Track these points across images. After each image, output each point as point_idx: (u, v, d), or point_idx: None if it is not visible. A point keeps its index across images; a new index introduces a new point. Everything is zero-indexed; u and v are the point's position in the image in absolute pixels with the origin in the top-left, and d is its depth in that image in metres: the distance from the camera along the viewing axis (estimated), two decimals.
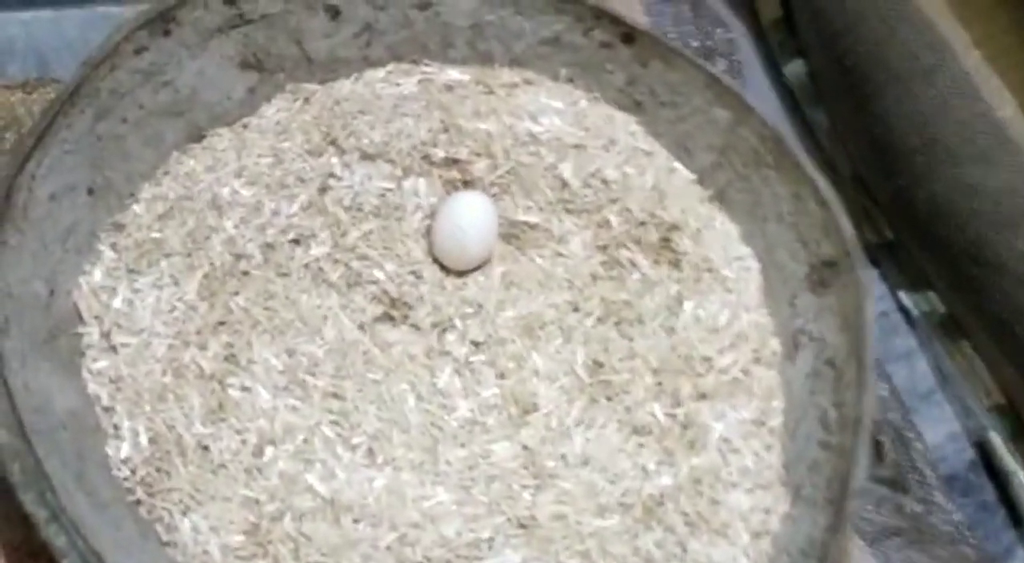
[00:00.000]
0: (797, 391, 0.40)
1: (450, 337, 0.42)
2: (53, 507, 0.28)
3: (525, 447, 0.39)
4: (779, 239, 0.43)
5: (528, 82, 0.47)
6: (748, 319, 0.41)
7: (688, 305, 0.42)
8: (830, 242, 0.41)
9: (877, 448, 0.49)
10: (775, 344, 0.41)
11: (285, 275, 0.41)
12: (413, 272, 0.43)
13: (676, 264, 0.43)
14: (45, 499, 0.28)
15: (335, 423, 0.38)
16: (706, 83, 0.44)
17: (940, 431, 0.52)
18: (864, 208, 0.57)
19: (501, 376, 0.41)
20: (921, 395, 0.53)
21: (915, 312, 0.55)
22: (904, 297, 0.56)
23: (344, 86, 0.45)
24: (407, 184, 0.44)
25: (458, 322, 0.42)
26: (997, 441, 0.51)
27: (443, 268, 0.44)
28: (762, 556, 0.35)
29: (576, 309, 0.42)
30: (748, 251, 0.44)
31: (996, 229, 0.49)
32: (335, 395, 0.39)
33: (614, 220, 0.44)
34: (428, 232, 0.44)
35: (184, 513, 0.33)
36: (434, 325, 0.42)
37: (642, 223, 0.44)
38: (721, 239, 0.43)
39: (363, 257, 0.42)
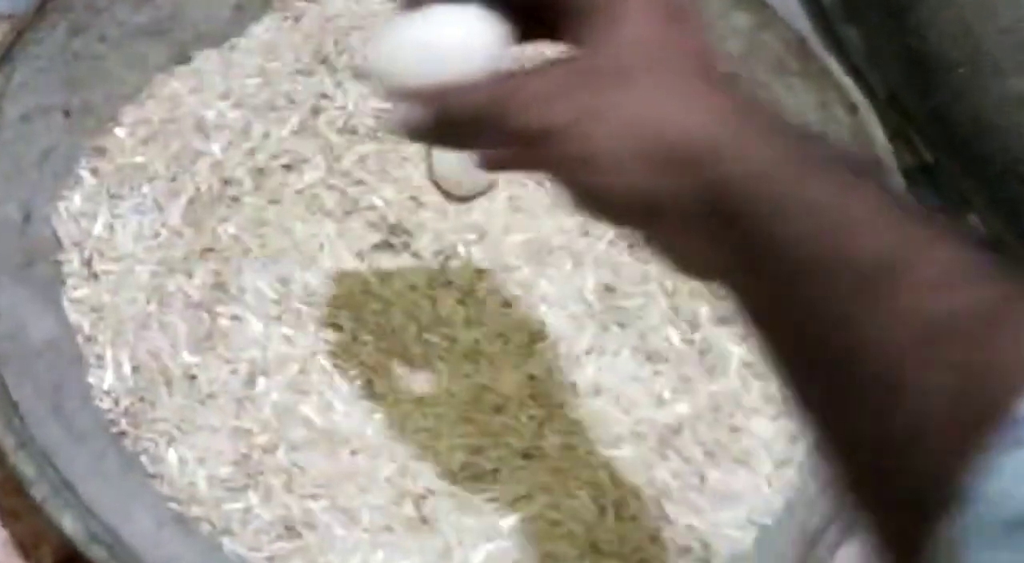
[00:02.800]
0: None
1: (453, 265, 0.40)
2: (21, 435, 0.26)
3: (532, 376, 0.37)
4: None
5: None
6: None
7: None
8: (860, 150, 0.38)
9: None
10: None
11: (277, 202, 0.39)
12: (413, 197, 0.41)
13: None
14: (13, 426, 0.26)
15: (332, 354, 0.36)
16: None
17: None
18: (900, 130, 0.53)
19: (507, 305, 0.39)
20: None
21: None
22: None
23: (336, 2, 0.43)
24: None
25: (461, 249, 0.40)
26: None
27: (445, 193, 0.42)
28: (787, 485, 0.33)
29: (586, 233, 0.40)
30: None
31: None
32: (332, 325, 0.37)
33: None
34: (428, 155, 0.41)
35: (169, 444, 0.31)
36: (436, 253, 0.40)
37: None
38: None
39: (359, 182, 0.40)
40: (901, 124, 0.54)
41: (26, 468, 0.26)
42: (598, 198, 0.22)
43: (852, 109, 0.38)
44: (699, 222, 0.20)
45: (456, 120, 0.23)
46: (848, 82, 0.39)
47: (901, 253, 0.17)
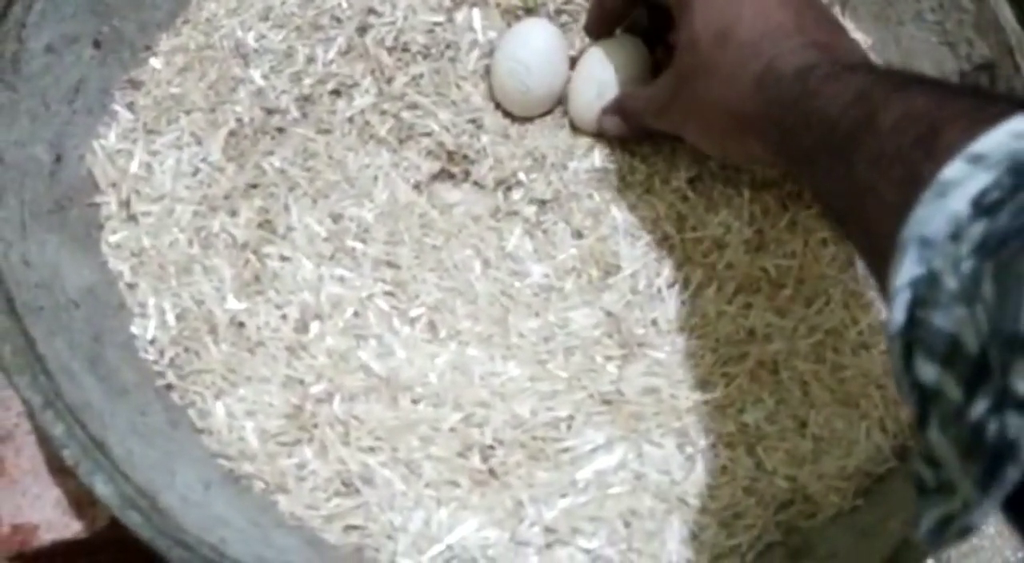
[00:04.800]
0: None
1: (516, 195, 0.36)
2: (47, 392, 0.25)
3: (609, 313, 0.33)
4: (919, 45, 0.34)
5: None
6: None
7: None
8: (984, 40, 0.32)
9: None
10: None
11: (327, 132, 0.36)
12: (472, 120, 0.37)
13: None
14: (38, 383, 0.25)
15: (390, 294, 0.33)
16: None
17: None
18: None
19: (577, 235, 0.35)
20: None
21: None
22: None
23: None
24: (459, 16, 0.37)
25: (523, 176, 0.36)
26: None
27: (506, 114, 0.38)
28: (901, 429, 0.29)
29: (646, 160, 0.36)
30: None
31: None
32: (389, 263, 0.34)
33: None
34: (487, 73, 0.38)
35: (217, 396, 0.29)
36: (499, 181, 0.36)
37: None
38: None
39: (413, 106, 0.36)
40: None
41: (54, 428, 0.24)
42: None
43: None
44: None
45: None
46: None
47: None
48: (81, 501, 0.31)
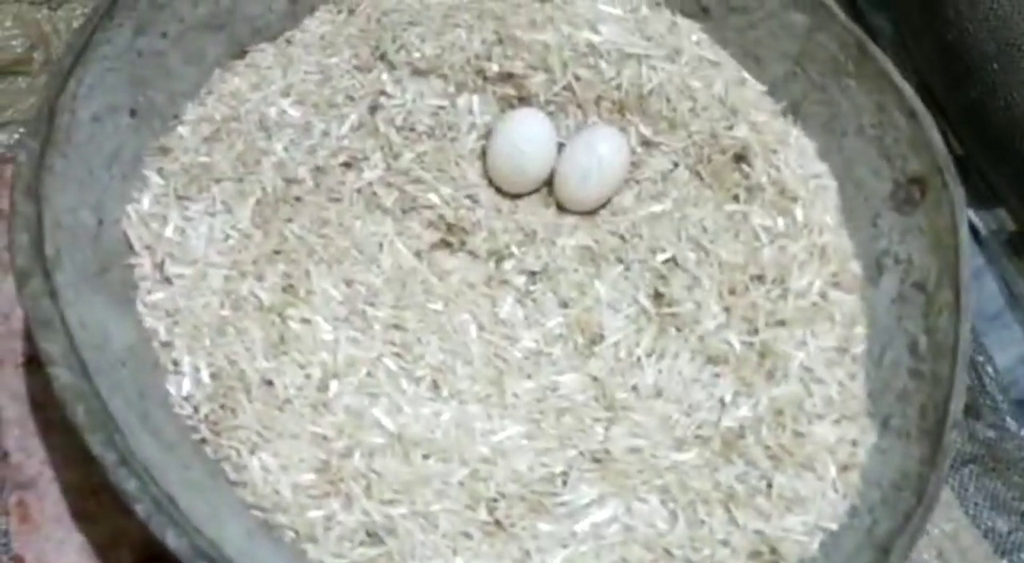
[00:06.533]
0: (881, 316, 0.38)
1: (507, 266, 0.40)
2: (122, 450, 0.27)
3: (595, 378, 0.37)
4: (860, 155, 0.40)
5: None
6: (826, 240, 0.39)
7: (760, 227, 0.40)
8: (918, 158, 0.38)
9: None
10: (856, 267, 0.39)
11: (338, 200, 0.39)
12: (469, 195, 0.41)
13: (747, 185, 0.40)
14: (113, 441, 0.27)
15: (398, 355, 0.37)
16: None
17: (1011, 354, 0.50)
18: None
19: (564, 305, 0.39)
20: (990, 317, 0.51)
21: (983, 230, 0.53)
22: (972, 215, 0.53)
23: None
24: (461, 101, 0.41)
25: (515, 250, 0.40)
26: None
27: (499, 191, 0.42)
28: (851, 489, 0.34)
29: (627, 241, 0.40)
30: (825, 168, 0.41)
31: None
32: (396, 326, 0.37)
33: (678, 139, 0.41)
34: (483, 153, 0.41)
35: (252, 452, 0.32)
36: (491, 253, 0.40)
37: (710, 141, 0.41)
38: (796, 157, 0.41)
39: (417, 180, 0.40)
40: (932, 116, 0.55)
41: (128, 484, 0.26)
42: None
43: (912, 115, 0.38)
44: None
45: None
46: (907, 87, 0.39)
47: None
48: (104, 545, 0.33)
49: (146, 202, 0.35)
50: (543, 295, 0.40)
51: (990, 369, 0.49)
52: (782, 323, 0.37)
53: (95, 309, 0.31)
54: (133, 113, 0.35)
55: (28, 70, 0.46)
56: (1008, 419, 0.48)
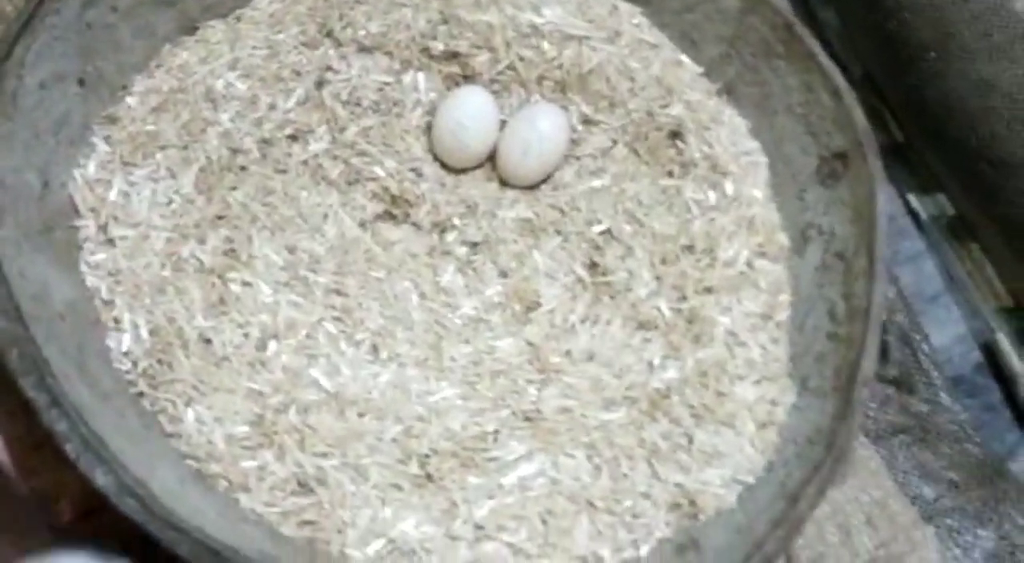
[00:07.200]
0: (805, 285, 0.39)
1: (450, 237, 0.41)
2: (54, 392, 0.28)
3: (530, 343, 0.39)
4: (788, 132, 0.42)
5: None
6: (754, 213, 0.41)
7: (692, 200, 0.41)
8: (841, 133, 0.40)
9: (883, 348, 0.48)
10: (783, 238, 0.40)
11: (283, 172, 0.40)
12: (413, 169, 0.42)
13: (681, 161, 0.42)
14: (45, 384, 0.28)
15: (338, 320, 0.38)
16: None
17: (947, 333, 0.52)
18: (874, 109, 0.56)
19: (503, 275, 0.41)
20: (928, 298, 0.52)
21: (923, 215, 0.55)
22: (913, 200, 0.55)
23: None
24: (406, 78, 0.43)
25: (457, 221, 0.41)
26: (1004, 343, 0.51)
27: (443, 165, 0.43)
28: (768, 445, 0.35)
29: (565, 213, 0.41)
30: (756, 146, 0.42)
31: (1010, 127, 0.48)
32: (337, 292, 0.38)
33: (617, 117, 0.43)
34: (428, 129, 0.43)
35: (188, 404, 0.33)
36: (434, 224, 0.41)
37: (647, 119, 0.43)
38: (729, 134, 0.42)
39: (362, 153, 0.41)
40: (875, 103, 0.56)
41: (58, 424, 0.28)
42: None
43: (835, 93, 0.40)
44: None
45: None
46: (832, 66, 0.41)
47: None
48: (46, 499, 0.34)
49: (92, 167, 0.36)
50: (483, 265, 0.41)
51: (926, 347, 0.50)
52: (709, 290, 0.39)
53: (37, 266, 0.32)
54: (81, 82, 0.36)
55: None
56: (942, 394, 0.49)
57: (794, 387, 0.37)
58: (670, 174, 0.42)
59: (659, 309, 0.39)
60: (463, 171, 0.43)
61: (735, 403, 0.36)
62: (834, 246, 0.39)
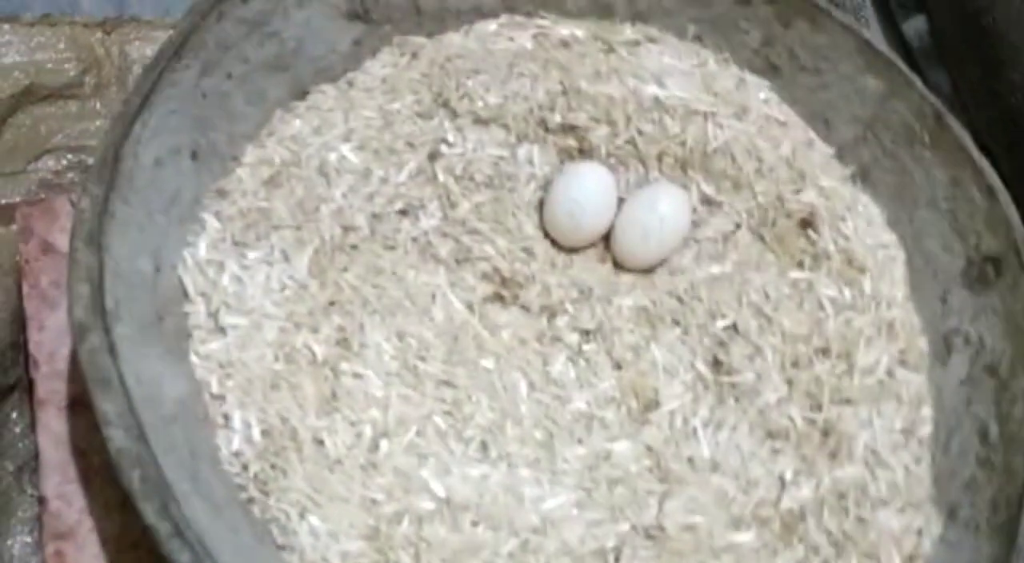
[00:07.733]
0: (949, 398, 0.36)
1: (560, 322, 0.39)
2: (176, 520, 0.26)
3: (648, 447, 0.36)
4: (931, 227, 0.39)
5: (651, 40, 0.43)
6: (894, 315, 0.38)
7: (826, 297, 0.38)
8: (994, 235, 0.37)
9: None
10: (923, 344, 0.38)
11: (392, 248, 0.38)
12: (525, 249, 0.40)
13: (813, 252, 0.39)
14: (168, 512, 0.26)
15: (448, 413, 0.35)
16: (857, 48, 0.40)
17: None
18: None
19: (617, 367, 0.38)
20: None
21: None
22: None
23: (454, 40, 0.41)
24: (521, 152, 0.40)
25: (569, 306, 0.39)
26: None
27: (554, 243, 0.41)
28: None
29: (685, 303, 0.39)
30: (894, 238, 0.40)
31: None
32: (447, 383, 0.36)
33: (742, 200, 0.40)
34: (540, 205, 0.41)
35: (302, 516, 0.31)
36: (543, 308, 0.39)
37: (776, 204, 0.40)
38: (865, 225, 0.40)
39: (473, 231, 0.39)
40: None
41: (182, 556, 0.25)
42: None
43: (989, 191, 0.37)
44: None
45: None
46: (985, 161, 0.38)
47: None
48: None
49: (203, 247, 0.34)
50: (596, 355, 0.38)
51: None
52: (848, 401, 0.36)
53: (150, 362, 0.30)
54: (194, 155, 0.34)
55: (79, 94, 0.45)
56: None
57: (940, 516, 0.34)
58: (800, 265, 0.39)
59: (791, 418, 0.36)
60: (575, 251, 0.41)
61: (878, 532, 0.33)
62: (983, 358, 0.36)
